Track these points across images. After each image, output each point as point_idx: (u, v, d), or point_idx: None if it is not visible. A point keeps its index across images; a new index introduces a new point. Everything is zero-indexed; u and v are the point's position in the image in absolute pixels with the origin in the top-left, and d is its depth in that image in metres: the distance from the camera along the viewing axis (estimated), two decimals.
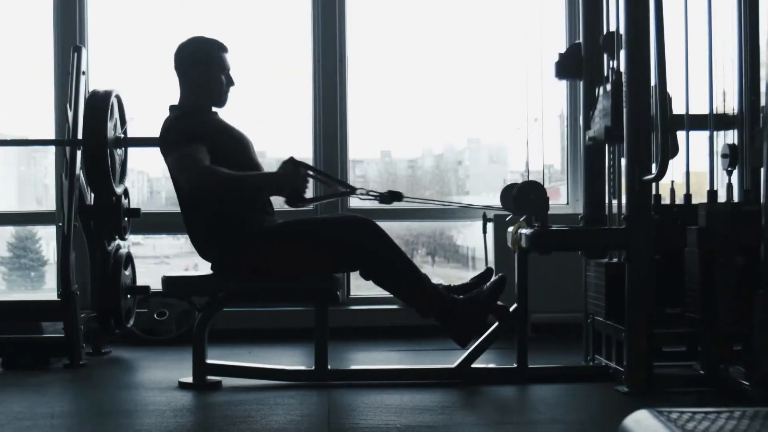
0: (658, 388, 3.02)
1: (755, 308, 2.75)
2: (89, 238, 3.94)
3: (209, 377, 3.25)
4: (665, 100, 2.99)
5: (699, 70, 3.26)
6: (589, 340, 3.47)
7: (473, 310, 3.22)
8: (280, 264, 3.25)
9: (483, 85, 4.85)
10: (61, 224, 3.82)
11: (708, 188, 3.16)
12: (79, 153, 3.80)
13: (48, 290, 4.85)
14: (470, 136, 5.32)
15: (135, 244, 4.55)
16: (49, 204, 4.64)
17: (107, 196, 3.91)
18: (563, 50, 3.61)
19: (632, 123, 3.04)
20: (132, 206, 4.18)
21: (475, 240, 4.68)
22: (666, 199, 3.36)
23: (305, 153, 4.63)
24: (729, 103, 3.26)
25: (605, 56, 3.38)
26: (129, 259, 4.10)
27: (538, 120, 3.95)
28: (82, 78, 3.87)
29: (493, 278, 3.33)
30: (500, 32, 4.84)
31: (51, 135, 4.54)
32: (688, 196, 3.33)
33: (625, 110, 3.08)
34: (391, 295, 3.34)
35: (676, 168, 3.25)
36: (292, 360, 3.80)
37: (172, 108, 3.41)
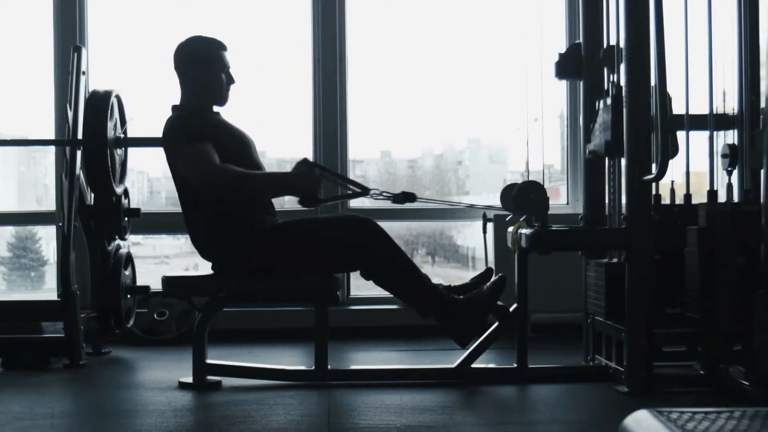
0: (658, 388, 3.02)
1: (755, 308, 2.75)
2: (89, 238, 3.94)
3: (209, 377, 3.25)
4: (665, 100, 2.99)
5: (699, 70, 3.26)
6: (589, 340, 3.47)
7: (473, 310, 3.22)
8: (280, 264, 3.25)
9: (483, 85, 4.85)
10: (61, 224, 3.82)
11: (708, 188, 3.16)
12: (79, 153, 3.80)
13: (48, 290, 4.85)
14: (470, 136, 5.32)
15: (135, 244, 4.55)
16: (49, 204, 4.64)
17: (107, 196, 3.91)
18: (563, 50, 3.61)
19: (632, 123, 3.04)
20: (132, 206, 4.18)
21: (475, 240, 4.68)
22: (666, 199, 3.36)
23: (305, 153, 4.63)
24: (729, 103, 3.26)
25: (605, 69, 3.38)
26: (129, 259, 4.10)
27: (538, 120, 3.95)
28: (82, 78, 3.87)
29: (493, 278, 3.33)
30: (500, 32, 4.84)
31: (51, 135, 4.54)
32: (688, 196, 3.33)
33: (625, 110, 3.08)
34: (391, 295, 3.34)
35: (676, 168, 3.25)
36: (292, 360, 3.80)
37: (174, 108, 3.41)
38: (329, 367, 3.28)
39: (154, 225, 4.63)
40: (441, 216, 4.65)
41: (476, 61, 4.83)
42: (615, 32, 3.29)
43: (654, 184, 3.09)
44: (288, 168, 3.50)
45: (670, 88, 3.05)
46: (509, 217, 3.56)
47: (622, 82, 3.13)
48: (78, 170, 3.80)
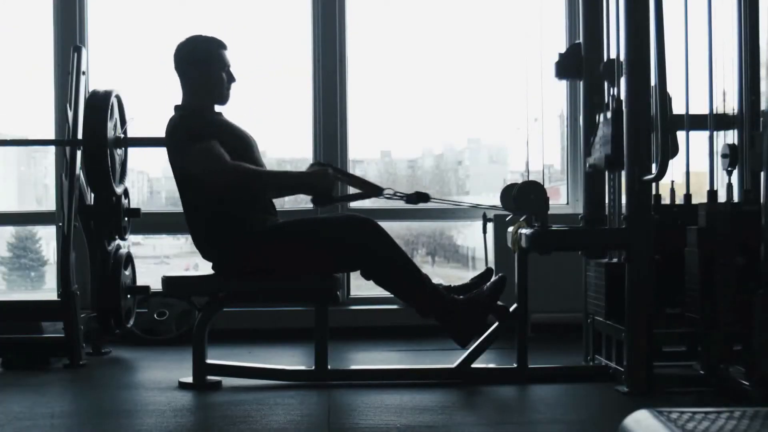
0: (658, 388, 3.02)
1: (755, 308, 2.75)
2: (89, 238, 3.94)
3: (209, 377, 3.25)
4: (665, 100, 2.99)
5: (699, 70, 3.26)
6: (589, 340, 3.47)
7: (473, 310, 3.22)
8: (280, 264, 3.25)
9: (483, 85, 4.85)
10: (61, 224, 3.82)
11: (708, 188, 3.16)
12: (79, 153, 3.80)
13: (48, 290, 4.85)
14: (470, 136, 5.32)
15: (135, 244, 4.55)
16: (49, 204, 4.64)
17: (107, 196, 3.91)
18: (563, 50, 3.61)
19: (632, 123, 3.05)
20: (132, 206, 4.18)
21: (475, 240, 4.68)
22: (666, 199, 3.36)
23: (305, 153, 4.64)
24: (729, 103, 3.26)
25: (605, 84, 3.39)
26: (129, 259, 4.10)
27: (538, 120, 3.95)
28: (82, 78, 3.87)
29: (493, 278, 3.33)
30: (500, 32, 4.84)
31: (51, 135, 4.54)
32: (688, 196, 3.33)
33: (625, 111, 3.09)
34: (392, 295, 3.34)
35: (676, 168, 3.25)
36: (292, 360, 3.80)
37: (176, 108, 3.40)
38: (329, 367, 3.28)
39: (154, 225, 4.63)
40: (441, 216, 4.65)
41: (476, 61, 4.83)
42: (615, 32, 3.29)
43: (654, 184, 3.09)
44: (288, 168, 3.50)
45: (670, 88, 3.05)
46: (509, 217, 3.56)
47: (623, 84, 3.13)
48: (78, 170, 3.80)
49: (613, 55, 3.34)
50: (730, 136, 3.26)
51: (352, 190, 3.78)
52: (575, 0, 4.38)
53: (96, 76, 4.40)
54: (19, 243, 5.19)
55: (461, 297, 3.26)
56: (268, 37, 4.74)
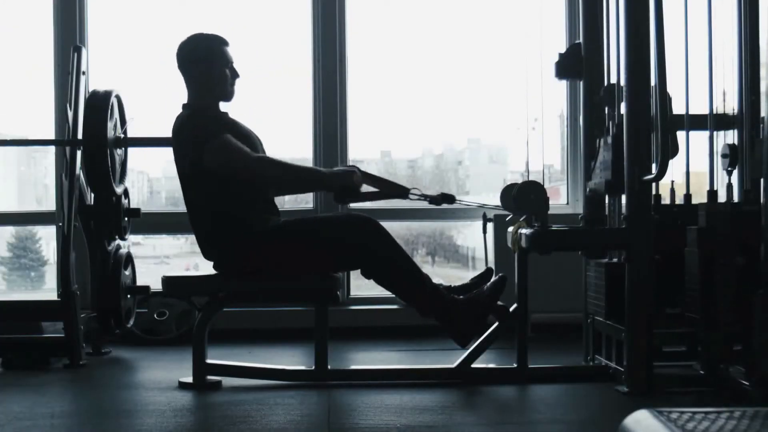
0: (658, 388, 3.02)
1: (755, 308, 2.75)
2: (89, 238, 3.94)
3: (209, 377, 3.25)
4: (665, 100, 2.99)
5: (699, 70, 3.26)
6: (589, 340, 3.47)
7: (473, 310, 3.22)
8: (280, 264, 3.25)
9: (483, 85, 4.85)
10: (61, 224, 3.82)
11: (708, 188, 3.16)
12: (79, 153, 3.80)
13: (48, 290, 4.85)
14: (470, 136, 5.32)
15: (135, 244, 4.55)
16: (49, 204, 4.64)
17: (107, 196, 3.91)
18: (563, 50, 3.61)
19: (632, 123, 3.05)
20: (132, 206, 4.18)
21: (475, 240, 4.68)
22: (666, 199, 3.36)
23: (305, 153, 4.64)
24: (729, 103, 3.26)
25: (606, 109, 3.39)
26: (129, 259, 4.10)
27: (538, 120, 3.95)
28: (82, 78, 3.87)
29: (493, 278, 3.33)
30: (500, 32, 4.84)
31: (51, 135, 4.54)
32: (688, 196, 3.33)
33: (625, 111, 3.09)
34: (392, 295, 3.34)
35: (676, 168, 3.25)
36: (292, 360, 3.80)
37: (184, 106, 3.39)
38: (329, 367, 3.28)
39: (154, 225, 4.63)
40: (441, 216, 4.65)
41: (476, 61, 4.83)
42: (615, 32, 3.29)
43: (654, 184, 3.09)
44: None
45: (670, 88, 3.05)
46: (509, 217, 3.56)
47: (623, 83, 3.13)
48: (78, 170, 3.80)
49: (613, 55, 3.34)
50: (730, 136, 3.27)
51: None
52: (575, 0, 4.39)
53: (96, 76, 4.40)
54: (19, 243, 5.19)
55: (461, 297, 3.26)
56: (268, 37, 4.74)
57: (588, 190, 3.47)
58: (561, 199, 4.72)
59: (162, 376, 3.45)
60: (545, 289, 3.96)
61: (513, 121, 4.74)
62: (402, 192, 3.44)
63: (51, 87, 4.56)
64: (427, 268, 3.83)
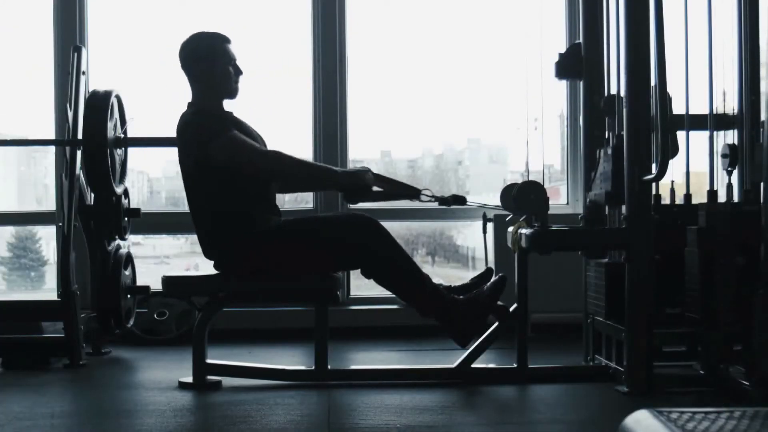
0: (658, 388, 3.02)
1: (755, 308, 2.75)
2: (89, 238, 3.94)
3: (209, 377, 3.25)
4: (665, 100, 2.99)
5: (699, 70, 3.26)
6: (589, 340, 3.47)
7: (473, 310, 3.22)
8: (280, 263, 3.24)
9: (483, 85, 4.85)
10: (61, 224, 3.82)
11: (708, 188, 3.16)
12: (79, 153, 3.80)
13: (48, 290, 4.85)
14: (470, 136, 5.32)
15: (135, 244, 4.55)
16: (49, 204, 4.64)
17: (107, 196, 3.91)
18: (563, 50, 3.61)
19: (632, 123, 3.05)
20: (132, 206, 4.18)
21: (475, 240, 4.68)
22: (666, 199, 3.36)
23: (305, 153, 4.63)
24: (729, 103, 3.26)
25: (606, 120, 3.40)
26: (129, 259, 4.10)
27: (538, 120, 3.95)
28: (82, 78, 3.87)
29: (493, 278, 3.33)
30: (500, 32, 4.84)
31: (51, 135, 4.54)
32: (688, 196, 3.33)
33: (625, 111, 3.09)
34: (392, 295, 3.34)
35: (676, 168, 3.25)
36: (292, 360, 3.80)
37: (189, 104, 3.39)
38: (329, 367, 3.28)
39: (154, 225, 4.63)
40: (441, 216, 4.65)
41: (476, 61, 4.83)
42: (615, 32, 3.29)
43: (654, 184, 3.09)
44: None
45: (670, 88, 3.05)
46: (509, 217, 3.56)
47: (622, 84, 3.13)
48: (78, 170, 3.80)
49: (613, 55, 3.35)
50: (730, 136, 3.27)
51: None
52: (575, 0, 4.39)
53: (96, 76, 4.40)
54: (19, 243, 5.18)
55: (461, 297, 3.26)
56: (268, 37, 4.74)
57: (588, 201, 3.48)
58: (561, 199, 4.72)
59: (162, 376, 3.45)
60: (545, 289, 3.96)
61: (513, 121, 4.75)
62: (413, 193, 3.43)
63: (51, 87, 4.56)
64: (427, 268, 3.83)
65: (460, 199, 3.44)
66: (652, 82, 3.02)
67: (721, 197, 3.17)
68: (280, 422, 2.73)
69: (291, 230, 3.31)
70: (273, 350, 4.00)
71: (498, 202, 3.52)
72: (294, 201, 4.76)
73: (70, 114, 3.81)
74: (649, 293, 3.04)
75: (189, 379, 3.24)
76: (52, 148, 4.63)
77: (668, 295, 3.19)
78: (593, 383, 3.21)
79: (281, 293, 3.47)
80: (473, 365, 3.28)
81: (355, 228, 3.23)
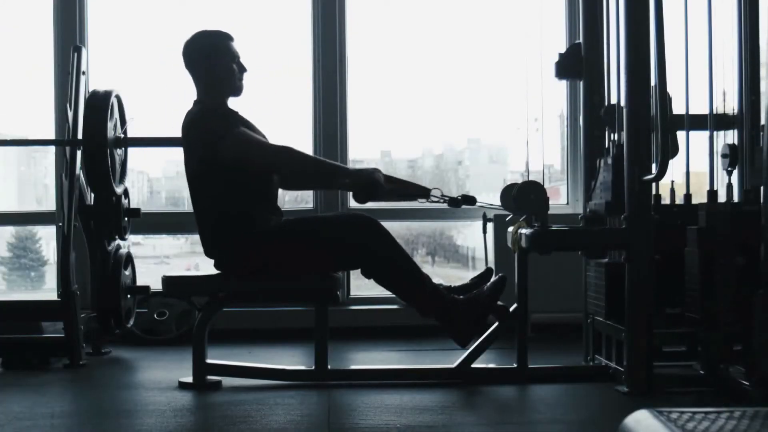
0: (658, 388, 3.02)
1: (755, 308, 2.75)
2: (89, 238, 3.94)
3: (209, 377, 3.25)
4: (665, 100, 2.99)
5: (699, 70, 3.26)
6: (589, 340, 3.47)
7: (473, 310, 3.22)
8: (280, 263, 3.24)
9: (483, 85, 4.85)
10: (61, 224, 3.82)
11: (708, 188, 3.16)
12: (79, 153, 3.80)
13: (48, 290, 4.85)
14: (470, 136, 5.32)
15: (135, 244, 4.55)
16: (49, 204, 4.64)
17: (107, 196, 3.91)
18: (563, 50, 3.61)
19: (632, 123, 3.05)
20: (132, 206, 4.18)
21: (475, 240, 4.68)
22: (666, 199, 3.36)
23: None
24: (729, 103, 3.26)
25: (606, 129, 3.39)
26: (129, 259, 4.10)
27: (538, 120, 3.95)
28: (82, 78, 3.87)
29: (493, 278, 3.33)
30: (500, 32, 4.84)
31: (51, 135, 4.54)
32: (688, 196, 3.33)
33: (625, 111, 3.09)
34: (392, 295, 3.34)
35: (676, 168, 3.25)
36: (292, 360, 3.80)
37: (195, 102, 3.39)
38: (329, 367, 3.28)
39: (154, 225, 4.63)
40: (441, 216, 4.65)
41: (476, 61, 4.83)
42: (615, 32, 3.29)
43: (654, 184, 3.09)
44: None
45: (670, 88, 3.05)
46: (509, 217, 3.56)
47: (623, 84, 3.13)
48: (78, 170, 3.80)
49: (613, 55, 3.35)
50: (730, 136, 3.27)
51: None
52: (575, 0, 4.39)
53: (96, 76, 4.40)
54: (19, 243, 5.18)
55: (461, 297, 3.26)
56: (268, 37, 4.74)
57: (588, 210, 3.48)
58: (561, 199, 4.72)
59: (162, 376, 3.45)
60: (545, 289, 3.96)
61: (513, 121, 4.75)
62: (423, 193, 3.43)
63: (51, 87, 4.56)
64: (427, 268, 3.83)
65: (470, 199, 3.43)
66: (652, 82, 3.02)
67: (721, 197, 3.17)
68: (280, 422, 2.73)
69: (291, 230, 3.31)
70: (273, 350, 4.00)
71: (498, 202, 3.52)
72: (294, 201, 4.76)
73: (70, 114, 3.81)
74: (649, 293, 3.04)
75: (189, 379, 3.24)
76: (52, 148, 4.63)
77: (668, 295, 3.19)
78: (593, 383, 3.21)
79: (281, 293, 3.47)
80: (473, 365, 3.28)
81: (355, 228, 3.23)
